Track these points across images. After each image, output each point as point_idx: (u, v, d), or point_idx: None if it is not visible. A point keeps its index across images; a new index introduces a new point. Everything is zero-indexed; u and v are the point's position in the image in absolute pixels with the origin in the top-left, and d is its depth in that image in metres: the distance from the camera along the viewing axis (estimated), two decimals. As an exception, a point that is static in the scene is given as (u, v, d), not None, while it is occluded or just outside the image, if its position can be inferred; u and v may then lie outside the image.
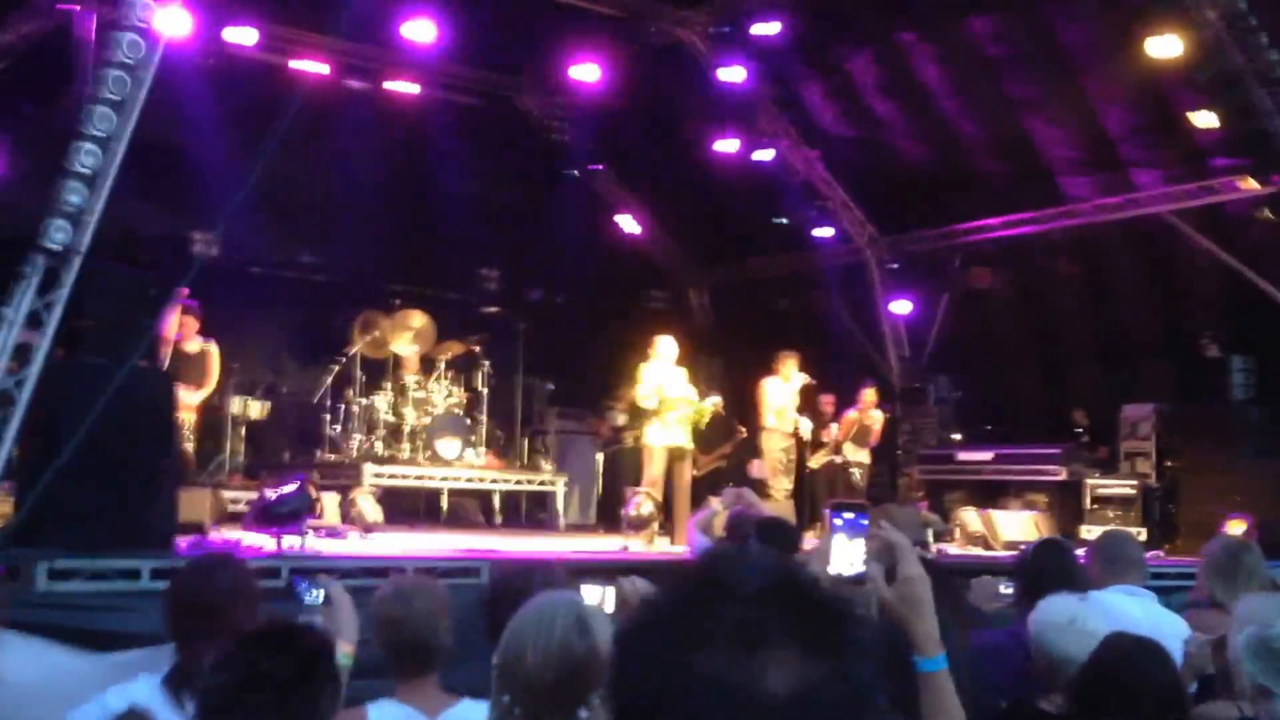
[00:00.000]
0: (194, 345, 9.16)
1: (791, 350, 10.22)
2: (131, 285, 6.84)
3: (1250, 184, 9.76)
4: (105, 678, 2.47)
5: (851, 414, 10.86)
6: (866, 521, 1.83)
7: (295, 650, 2.06)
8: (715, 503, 6.62)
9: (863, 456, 10.86)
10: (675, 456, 8.71)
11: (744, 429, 12.09)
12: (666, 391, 8.60)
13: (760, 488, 11.54)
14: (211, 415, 10.23)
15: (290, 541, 6.52)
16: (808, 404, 11.23)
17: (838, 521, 1.83)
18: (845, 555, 1.81)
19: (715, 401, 8.94)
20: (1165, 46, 9.08)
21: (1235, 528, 8.77)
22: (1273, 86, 9.10)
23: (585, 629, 1.94)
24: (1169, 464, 10.43)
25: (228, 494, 8.81)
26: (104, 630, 4.69)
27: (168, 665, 2.51)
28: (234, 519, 8.14)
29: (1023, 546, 6.27)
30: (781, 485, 10.18)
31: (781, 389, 9.94)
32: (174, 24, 7.10)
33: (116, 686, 2.27)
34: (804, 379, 10.03)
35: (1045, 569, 3.42)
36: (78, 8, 7.18)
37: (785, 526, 4.36)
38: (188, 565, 3.01)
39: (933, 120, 11.53)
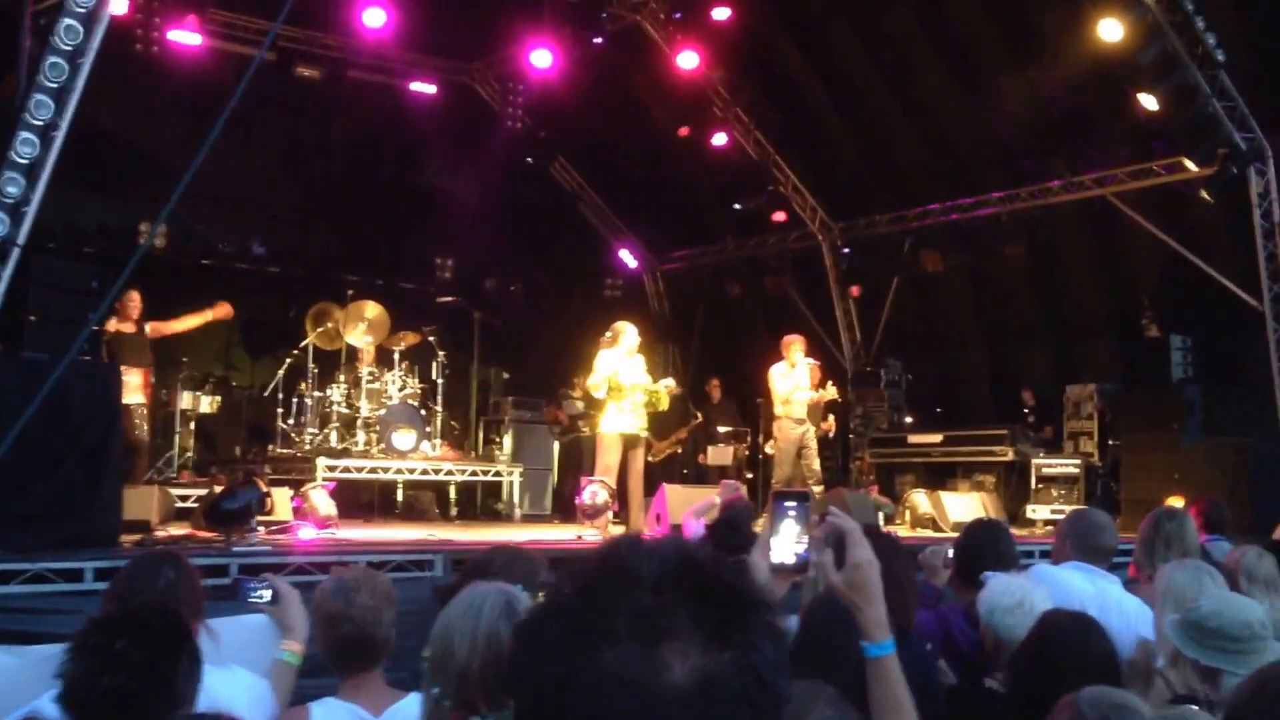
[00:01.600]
0: (131, 326, 9.00)
1: (795, 334, 9.95)
2: (74, 278, 6.73)
3: (1189, 166, 9.97)
4: (35, 671, 2.44)
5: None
6: (808, 509, 1.85)
7: (148, 632, 2.06)
8: (713, 495, 6.83)
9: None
10: (629, 444, 8.69)
11: (699, 415, 12.17)
12: (621, 379, 8.58)
13: (717, 473, 11.63)
14: (161, 410, 10.10)
15: (239, 538, 6.47)
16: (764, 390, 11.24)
17: (780, 509, 1.85)
18: (787, 543, 1.83)
19: (668, 384, 8.92)
20: (1108, 30, 9.24)
21: (1175, 504, 8.99)
22: (1210, 69, 9.30)
23: (513, 617, 1.94)
24: (1111, 442, 10.65)
25: (177, 490, 8.69)
26: (47, 633, 4.62)
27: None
28: (183, 515, 8.05)
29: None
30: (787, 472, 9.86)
31: (788, 374, 9.62)
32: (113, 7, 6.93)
33: (52, 693, 2.24)
34: (811, 362, 9.71)
35: (979, 550, 3.47)
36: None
37: (737, 522, 4.37)
38: (129, 565, 2.98)
39: (882, 105, 11.63)
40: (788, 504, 1.84)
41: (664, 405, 8.95)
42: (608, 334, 8.80)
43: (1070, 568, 3.60)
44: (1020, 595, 3.03)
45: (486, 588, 2.05)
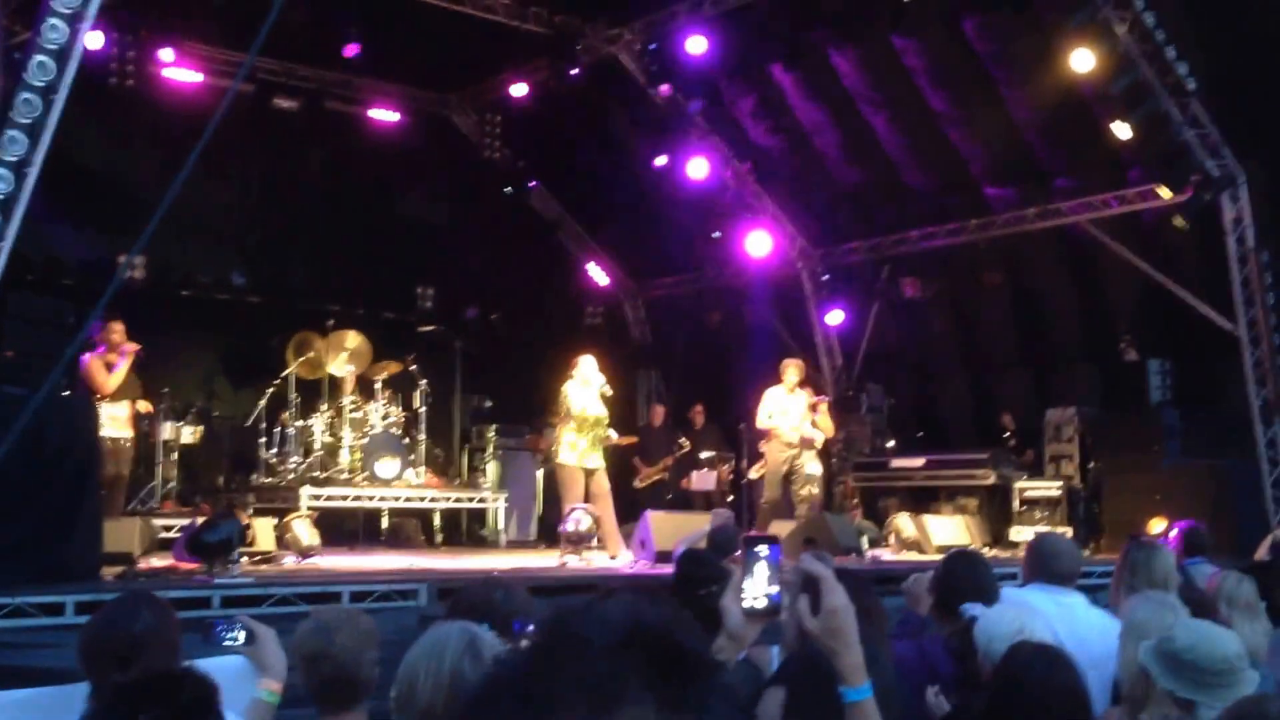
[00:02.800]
0: (114, 357, 8.95)
1: (795, 359, 9.91)
2: (51, 313, 6.71)
3: (1163, 194, 10.10)
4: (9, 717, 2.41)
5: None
6: (779, 552, 1.86)
7: (177, 697, 2.03)
8: (704, 525, 6.86)
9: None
10: (589, 474, 8.69)
11: (686, 442, 12.18)
12: (587, 412, 8.62)
13: (701, 499, 11.65)
14: (143, 441, 10.04)
15: (221, 569, 6.44)
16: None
17: (751, 553, 1.85)
18: (759, 586, 1.84)
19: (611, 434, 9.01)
20: (1080, 60, 9.38)
21: (1156, 525, 9.07)
22: (1182, 98, 9.45)
23: (477, 656, 1.94)
24: (1092, 465, 10.73)
25: (159, 521, 8.64)
26: (28, 668, 4.58)
27: (78, 709, 2.46)
28: (166, 547, 8.00)
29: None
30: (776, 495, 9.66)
31: (784, 398, 9.47)
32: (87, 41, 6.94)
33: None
34: (808, 393, 9.59)
35: (958, 581, 3.49)
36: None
37: (705, 558, 4.35)
38: (107, 604, 2.96)
39: (860, 134, 11.75)
40: (758, 548, 1.85)
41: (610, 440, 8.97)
42: (571, 369, 8.83)
43: (1033, 589, 3.66)
44: (1020, 624, 3.04)
45: (450, 627, 2.05)
